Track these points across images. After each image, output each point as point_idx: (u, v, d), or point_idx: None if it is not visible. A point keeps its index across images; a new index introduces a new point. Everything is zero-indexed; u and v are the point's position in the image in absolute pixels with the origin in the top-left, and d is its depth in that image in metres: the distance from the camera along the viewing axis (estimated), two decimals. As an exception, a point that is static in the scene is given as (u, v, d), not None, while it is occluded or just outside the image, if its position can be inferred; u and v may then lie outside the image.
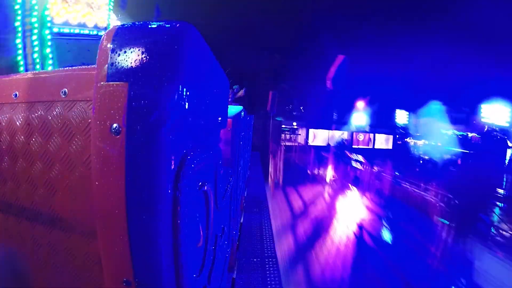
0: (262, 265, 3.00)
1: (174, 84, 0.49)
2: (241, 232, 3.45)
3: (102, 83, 0.52)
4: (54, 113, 0.91)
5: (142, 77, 0.49)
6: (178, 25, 0.53)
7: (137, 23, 0.56)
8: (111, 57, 0.53)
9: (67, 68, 0.92)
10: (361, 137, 21.19)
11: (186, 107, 0.53)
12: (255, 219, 4.21)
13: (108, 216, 0.52)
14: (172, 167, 0.51)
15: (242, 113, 2.55)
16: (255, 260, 3.06)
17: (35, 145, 0.96)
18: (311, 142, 19.80)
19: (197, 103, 0.61)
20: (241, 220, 3.47)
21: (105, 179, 0.51)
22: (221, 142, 1.82)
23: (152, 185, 0.49)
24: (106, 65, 0.53)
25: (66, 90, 0.88)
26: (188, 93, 0.53)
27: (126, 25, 0.56)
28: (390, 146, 21.66)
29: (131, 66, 0.50)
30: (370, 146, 21.20)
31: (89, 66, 0.89)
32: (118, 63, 0.52)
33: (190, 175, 0.56)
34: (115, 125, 0.50)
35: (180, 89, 0.51)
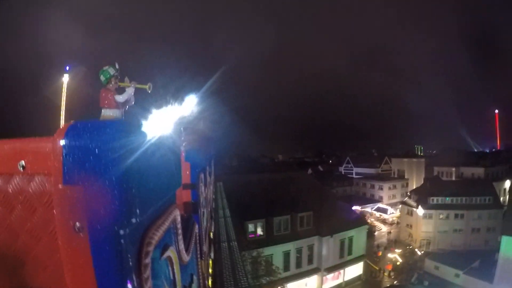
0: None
1: (123, 185, 0.56)
2: (214, 266, 3.48)
3: (60, 186, 0.57)
4: (14, 185, 0.92)
5: (94, 181, 0.55)
6: (121, 126, 0.59)
7: (87, 122, 0.61)
8: (65, 160, 0.58)
9: (23, 139, 0.92)
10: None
11: (139, 199, 0.60)
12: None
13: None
14: (135, 256, 0.58)
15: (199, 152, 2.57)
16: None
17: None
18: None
19: (148, 187, 0.67)
20: (212, 256, 3.51)
21: (76, 272, 0.57)
22: (181, 187, 1.86)
23: (119, 275, 0.56)
24: (61, 168, 0.58)
25: (24, 162, 0.89)
26: (138, 186, 0.60)
27: (77, 126, 0.60)
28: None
29: (83, 171, 0.56)
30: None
31: (44, 138, 0.90)
32: (72, 167, 0.57)
33: (149, 254, 0.63)
34: (78, 224, 0.56)
35: (131, 186, 0.57)
